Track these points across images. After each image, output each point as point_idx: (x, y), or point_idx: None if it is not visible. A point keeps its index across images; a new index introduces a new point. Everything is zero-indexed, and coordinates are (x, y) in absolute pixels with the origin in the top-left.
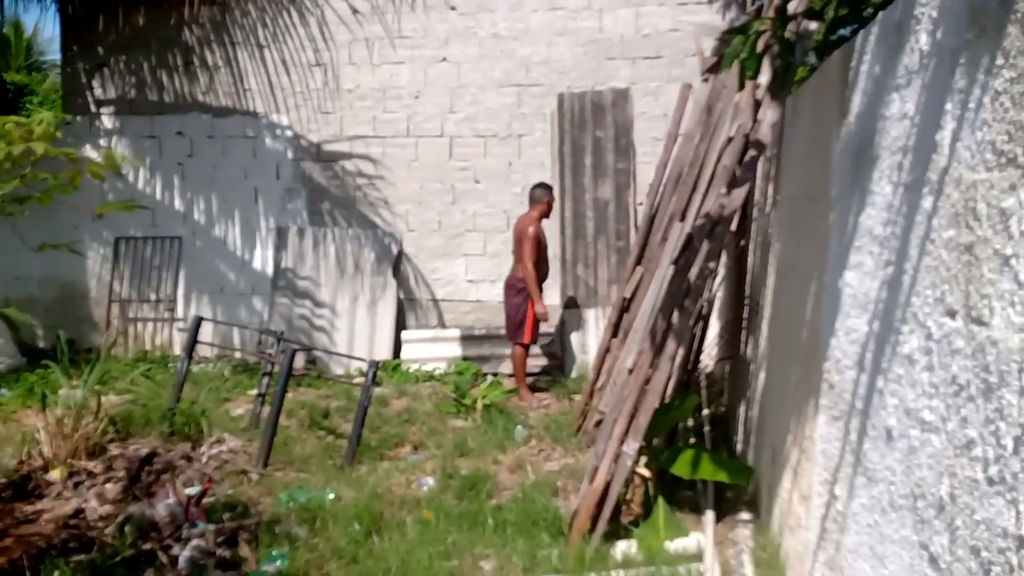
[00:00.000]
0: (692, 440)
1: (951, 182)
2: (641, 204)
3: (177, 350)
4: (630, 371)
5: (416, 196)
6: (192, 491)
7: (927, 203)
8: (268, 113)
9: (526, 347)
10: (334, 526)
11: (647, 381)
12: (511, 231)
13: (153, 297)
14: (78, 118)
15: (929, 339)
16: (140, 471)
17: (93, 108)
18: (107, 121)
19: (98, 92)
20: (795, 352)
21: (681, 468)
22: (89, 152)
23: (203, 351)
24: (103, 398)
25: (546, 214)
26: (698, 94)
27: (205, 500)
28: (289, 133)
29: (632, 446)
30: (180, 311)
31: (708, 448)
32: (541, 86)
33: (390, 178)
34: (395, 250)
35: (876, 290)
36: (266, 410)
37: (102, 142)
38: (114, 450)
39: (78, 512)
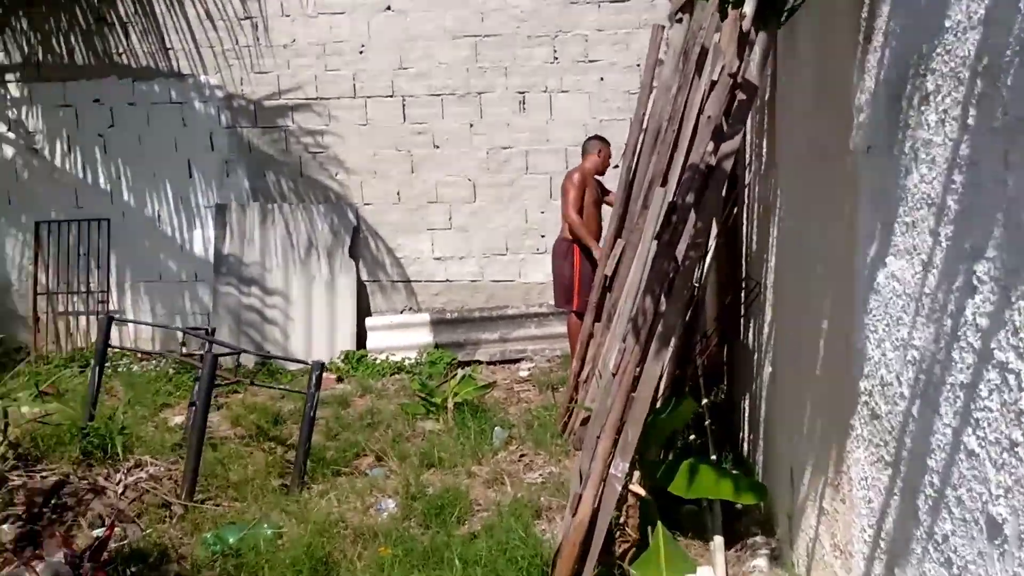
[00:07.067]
0: (692, 437)
1: None
2: (616, 167)
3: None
4: (613, 374)
5: (370, 164)
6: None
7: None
8: (195, 74)
9: (580, 316)
10: (270, 574)
11: (634, 386)
12: (478, 201)
13: (83, 288)
14: None
15: None
16: (44, 506)
17: None
18: (14, 89)
19: (0, 57)
20: (814, 355)
21: (679, 486)
22: None
23: (146, 348)
24: (13, 412)
25: (600, 169)
26: (672, 37)
27: (109, 547)
28: (220, 94)
29: (621, 467)
30: (115, 302)
31: (710, 455)
32: (499, 36)
33: (339, 145)
34: (351, 226)
35: (943, 288)
36: None
37: (10, 113)
38: (15, 479)
39: None
